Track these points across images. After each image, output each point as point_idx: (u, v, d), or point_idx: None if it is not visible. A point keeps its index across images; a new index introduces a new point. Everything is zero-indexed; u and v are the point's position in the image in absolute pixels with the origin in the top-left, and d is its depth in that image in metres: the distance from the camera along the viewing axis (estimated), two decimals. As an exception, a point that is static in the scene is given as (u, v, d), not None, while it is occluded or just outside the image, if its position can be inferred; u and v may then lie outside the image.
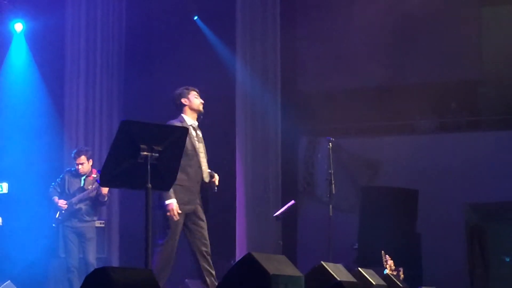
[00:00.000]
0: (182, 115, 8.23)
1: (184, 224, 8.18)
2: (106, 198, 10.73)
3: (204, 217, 8.29)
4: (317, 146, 12.99)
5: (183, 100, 8.25)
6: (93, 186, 10.62)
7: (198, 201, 8.23)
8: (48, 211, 10.99)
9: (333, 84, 13.10)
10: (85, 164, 10.81)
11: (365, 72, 12.86)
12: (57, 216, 10.75)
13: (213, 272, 8.22)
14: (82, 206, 10.70)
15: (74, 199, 10.69)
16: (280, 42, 12.98)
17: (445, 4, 12.65)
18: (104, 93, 13.43)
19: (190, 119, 8.22)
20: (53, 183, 10.91)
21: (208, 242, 8.26)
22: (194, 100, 8.25)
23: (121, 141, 5.95)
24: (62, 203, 10.68)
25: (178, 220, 7.97)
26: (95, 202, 10.77)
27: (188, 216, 8.16)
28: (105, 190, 10.50)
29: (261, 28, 12.93)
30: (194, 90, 8.31)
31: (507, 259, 10.96)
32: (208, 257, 8.23)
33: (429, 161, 12.35)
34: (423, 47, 12.58)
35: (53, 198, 10.79)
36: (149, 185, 6.01)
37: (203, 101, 8.29)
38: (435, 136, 12.65)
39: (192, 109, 8.24)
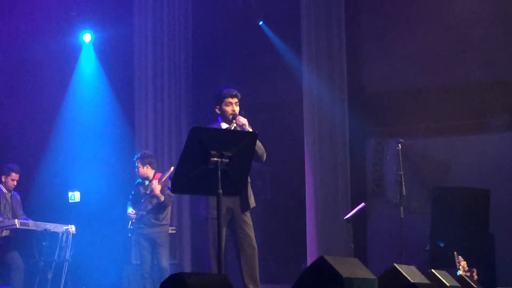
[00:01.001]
0: (220, 120, 8.23)
1: (228, 228, 8.19)
2: (163, 198, 10.75)
3: (247, 219, 8.26)
4: (386, 148, 12.90)
5: (217, 110, 8.24)
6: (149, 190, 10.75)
7: (234, 203, 8.12)
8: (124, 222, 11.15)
9: (400, 84, 12.99)
10: (140, 169, 10.96)
11: (432, 72, 12.73)
12: (129, 226, 10.89)
13: (255, 277, 8.15)
14: (148, 211, 10.83)
15: (142, 207, 10.84)
16: (346, 43, 12.93)
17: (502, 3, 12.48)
18: (173, 99, 13.56)
19: (225, 125, 8.20)
20: (130, 196, 11.08)
21: (254, 244, 8.20)
22: (226, 109, 8.19)
23: (191, 148, 6.01)
24: (131, 213, 10.82)
25: (215, 225, 7.83)
26: (158, 205, 10.87)
27: (229, 219, 8.15)
28: (157, 190, 10.59)
29: (326, 30, 12.89)
30: (227, 96, 8.23)
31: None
32: (253, 261, 8.17)
33: (500, 160, 12.16)
34: (490, 45, 12.40)
35: (128, 211, 10.93)
36: (220, 191, 6.05)
37: (234, 108, 8.20)
38: (506, 134, 12.46)
39: (225, 117, 8.24)
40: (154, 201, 10.78)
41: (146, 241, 10.83)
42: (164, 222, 11.00)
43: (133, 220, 10.83)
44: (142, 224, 10.81)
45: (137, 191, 11.01)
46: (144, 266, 10.77)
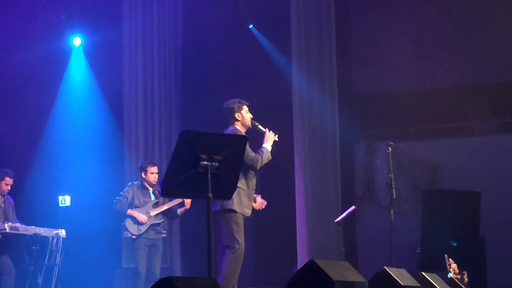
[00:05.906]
0: (236, 127, 8.41)
1: None
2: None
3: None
4: (376, 151, 12.91)
5: (237, 115, 8.49)
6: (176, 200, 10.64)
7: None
8: (119, 224, 11.02)
9: (390, 87, 13.00)
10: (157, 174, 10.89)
11: (422, 75, 12.75)
12: (139, 230, 10.65)
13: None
14: (162, 219, 10.78)
15: (152, 213, 10.67)
16: (336, 46, 12.93)
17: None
18: (163, 103, 13.52)
19: (241, 132, 8.43)
20: (117, 197, 10.84)
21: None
22: (246, 116, 8.57)
23: (181, 151, 6.02)
24: (143, 218, 10.64)
25: (242, 223, 8.21)
26: (168, 215, 10.86)
27: None
28: (188, 204, 10.52)
29: (316, 33, 12.89)
30: (245, 105, 8.60)
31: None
32: None
33: (490, 162, 12.19)
34: (481, 48, 12.42)
35: (128, 212, 10.66)
36: (210, 194, 6.05)
37: (252, 116, 8.61)
38: (496, 136, 12.49)
39: (243, 124, 8.44)
40: (167, 212, 10.76)
41: (145, 245, 10.71)
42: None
43: (143, 225, 10.65)
44: (151, 230, 10.71)
45: (137, 196, 10.78)
46: (140, 270, 10.64)
